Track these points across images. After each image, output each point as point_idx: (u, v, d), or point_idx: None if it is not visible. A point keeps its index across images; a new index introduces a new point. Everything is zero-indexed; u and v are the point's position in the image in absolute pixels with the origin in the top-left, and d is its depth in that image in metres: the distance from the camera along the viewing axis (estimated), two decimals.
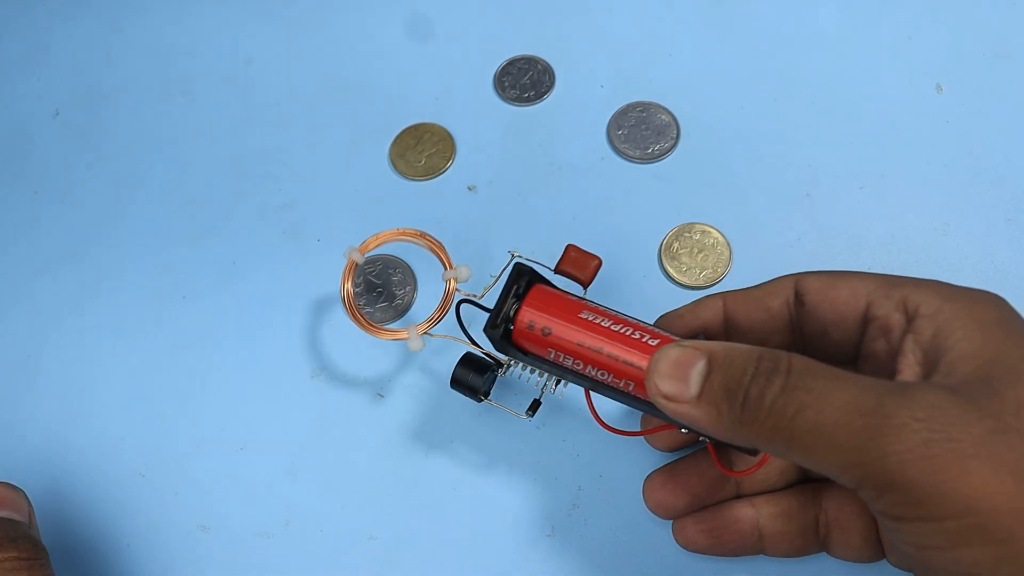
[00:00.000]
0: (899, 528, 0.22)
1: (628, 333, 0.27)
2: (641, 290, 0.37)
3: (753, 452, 0.27)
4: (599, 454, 0.34)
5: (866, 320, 0.27)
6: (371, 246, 0.33)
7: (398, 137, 0.42)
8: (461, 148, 0.42)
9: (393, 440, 0.35)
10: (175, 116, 0.44)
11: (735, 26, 0.44)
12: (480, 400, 0.32)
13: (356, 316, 0.32)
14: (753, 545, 0.30)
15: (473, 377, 0.31)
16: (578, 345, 0.27)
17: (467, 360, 0.31)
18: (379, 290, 0.38)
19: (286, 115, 0.44)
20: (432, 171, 0.41)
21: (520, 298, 0.28)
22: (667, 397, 0.24)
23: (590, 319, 0.28)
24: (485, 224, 0.39)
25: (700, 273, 0.37)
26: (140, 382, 0.37)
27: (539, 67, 0.44)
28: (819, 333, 0.28)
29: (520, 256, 0.29)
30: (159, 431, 0.36)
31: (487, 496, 0.33)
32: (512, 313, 0.28)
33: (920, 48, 0.43)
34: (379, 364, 0.36)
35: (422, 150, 0.42)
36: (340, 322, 0.37)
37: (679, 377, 0.24)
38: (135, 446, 0.35)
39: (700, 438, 0.28)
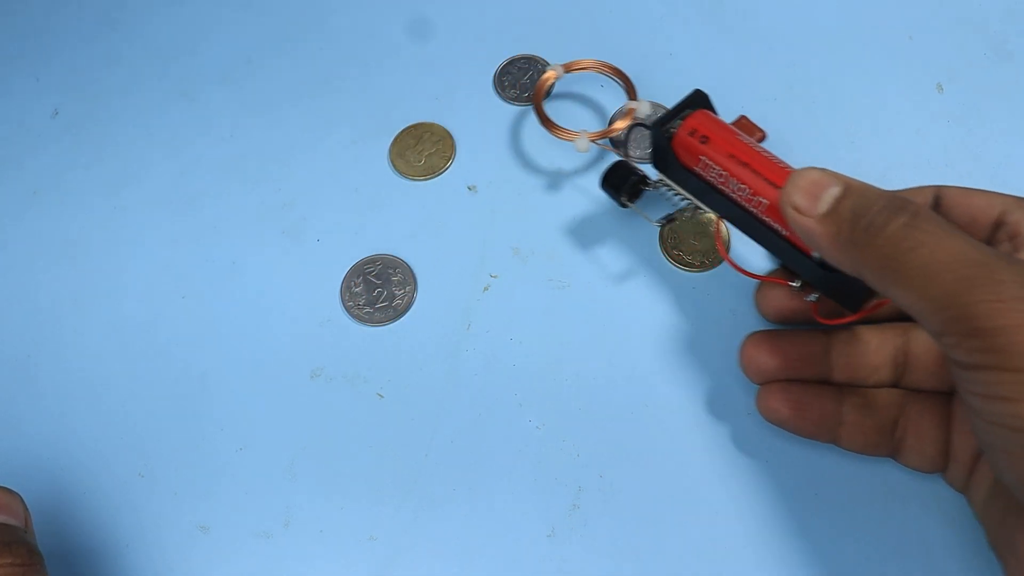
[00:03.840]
0: (972, 377, 0.23)
1: (774, 160, 0.30)
2: (649, 284, 0.37)
3: (858, 303, 0.29)
4: (599, 454, 0.34)
5: (996, 225, 0.29)
6: (573, 67, 0.40)
7: (398, 137, 0.42)
8: (461, 148, 0.42)
9: (393, 440, 0.35)
10: (175, 116, 0.44)
11: (735, 26, 0.44)
12: (624, 205, 0.36)
13: (543, 117, 0.39)
14: (830, 430, 0.31)
15: (618, 179, 0.36)
16: (728, 156, 0.31)
17: (619, 165, 0.36)
18: (379, 290, 0.38)
19: (286, 115, 0.44)
20: (432, 171, 0.41)
21: (684, 119, 0.32)
22: (796, 208, 0.27)
23: (742, 140, 0.31)
24: (485, 224, 0.39)
25: (705, 255, 0.37)
26: (140, 382, 0.37)
27: (539, 67, 0.44)
28: None
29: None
30: (159, 431, 0.36)
31: (487, 496, 0.33)
32: (677, 126, 0.32)
33: (920, 48, 0.43)
34: (379, 360, 0.36)
35: (422, 150, 0.42)
36: (340, 322, 0.38)
37: (812, 193, 0.27)
38: (135, 446, 0.35)
39: (805, 298, 0.31)
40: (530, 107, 0.43)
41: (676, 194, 0.34)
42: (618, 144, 0.39)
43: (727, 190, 0.31)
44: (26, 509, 0.28)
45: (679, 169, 0.33)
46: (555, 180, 0.40)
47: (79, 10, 0.48)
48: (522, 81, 0.43)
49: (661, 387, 0.35)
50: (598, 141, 0.38)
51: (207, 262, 0.40)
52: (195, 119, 0.44)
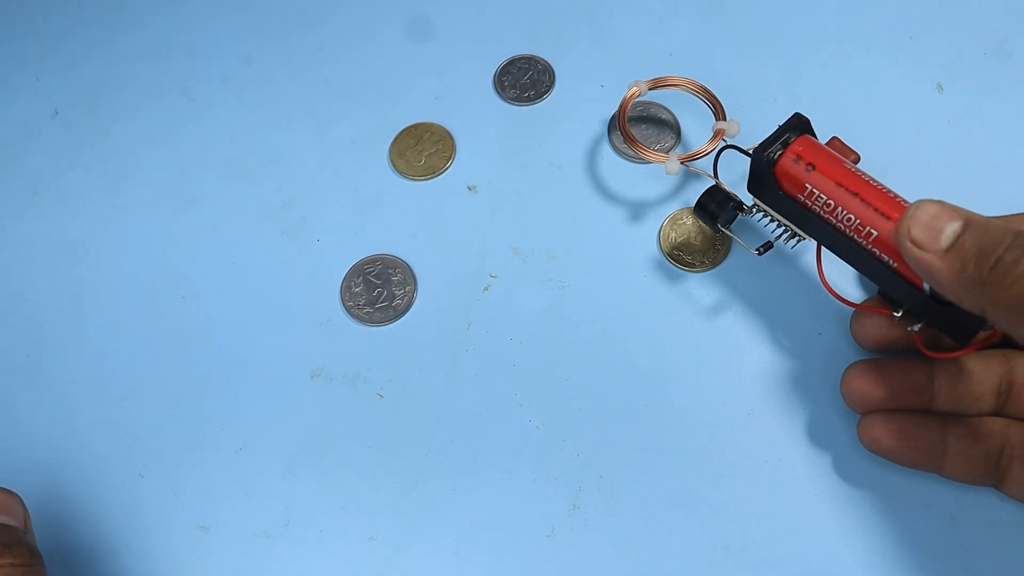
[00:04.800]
0: None
1: (884, 190, 0.29)
2: (649, 284, 0.37)
3: (967, 335, 0.28)
4: (599, 454, 0.34)
5: None
6: (658, 84, 0.38)
7: (398, 137, 0.42)
8: (461, 148, 0.42)
9: (393, 440, 0.35)
10: (175, 116, 0.44)
11: (735, 26, 0.44)
12: (718, 230, 0.35)
13: (628, 136, 0.37)
14: (934, 460, 0.30)
15: (716, 206, 0.34)
16: (835, 187, 0.29)
17: (714, 191, 0.34)
18: (379, 290, 0.38)
19: (286, 115, 0.44)
20: (432, 171, 0.41)
21: (786, 145, 0.31)
22: (915, 242, 0.26)
23: (851, 168, 0.30)
24: (485, 224, 0.39)
25: (705, 255, 0.37)
26: (139, 382, 0.37)
27: (539, 67, 0.44)
28: None
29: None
30: (159, 431, 0.36)
31: (487, 496, 0.33)
32: (779, 153, 0.31)
33: (920, 48, 0.43)
34: (379, 360, 0.36)
35: (422, 150, 0.42)
36: (340, 322, 0.38)
37: (932, 228, 0.26)
38: (134, 446, 0.35)
39: (908, 328, 0.30)
40: (530, 107, 0.43)
41: (772, 220, 0.33)
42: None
43: (832, 219, 0.30)
44: (25, 510, 0.28)
45: (780, 196, 0.31)
46: (554, 179, 0.40)
47: (79, 10, 0.48)
48: (522, 81, 0.43)
49: (661, 387, 0.35)
50: (688, 163, 0.36)
51: (207, 262, 0.40)
52: (195, 119, 0.44)
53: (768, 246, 0.34)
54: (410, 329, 0.37)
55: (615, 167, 0.41)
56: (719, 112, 0.38)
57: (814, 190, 0.30)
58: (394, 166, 0.41)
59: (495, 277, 0.38)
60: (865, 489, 0.32)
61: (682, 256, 0.38)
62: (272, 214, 0.41)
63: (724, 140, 0.36)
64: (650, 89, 0.38)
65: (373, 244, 0.39)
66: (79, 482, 0.35)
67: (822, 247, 0.32)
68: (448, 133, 0.42)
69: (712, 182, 0.35)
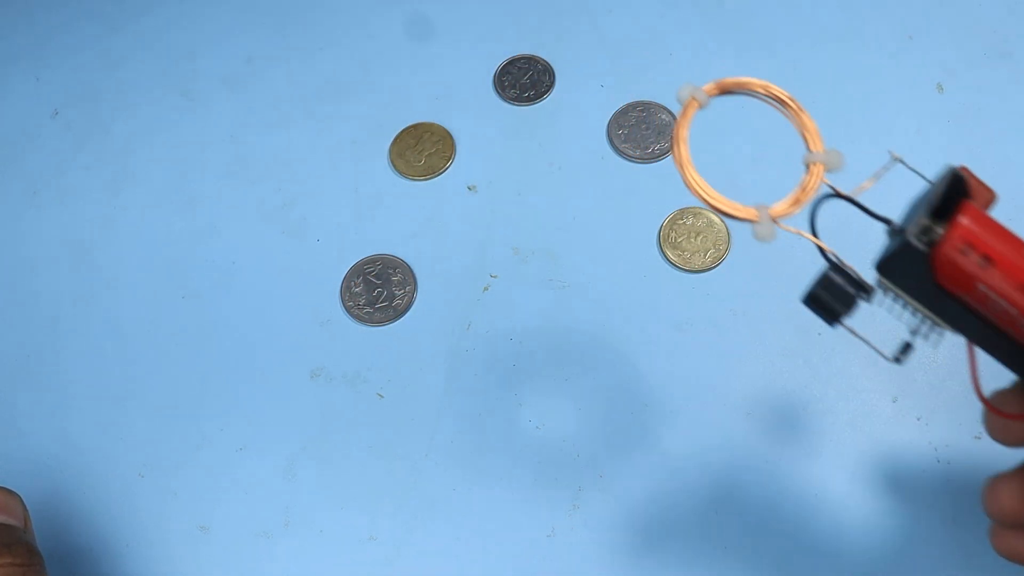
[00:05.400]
0: None
1: None
2: (649, 284, 0.37)
3: None
4: (599, 454, 0.34)
5: None
6: (727, 88, 0.27)
7: (398, 137, 0.42)
8: (461, 148, 0.42)
9: (393, 440, 0.35)
10: (175, 116, 0.44)
11: (735, 26, 0.44)
12: (833, 324, 0.24)
13: (691, 177, 0.25)
14: None
15: (840, 300, 0.24)
16: (1021, 288, 0.21)
17: (834, 278, 0.24)
18: (379, 290, 0.38)
19: (286, 115, 0.44)
20: (432, 171, 0.41)
21: (943, 216, 0.22)
22: None
23: None
24: (485, 224, 0.39)
25: (705, 255, 0.37)
26: (139, 382, 0.37)
27: (539, 67, 0.44)
28: None
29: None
30: (158, 431, 0.36)
31: (487, 496, 0.33)
32: (935, 232, 0.22)
33: (920, 48, 0.43)
34: (379, 360, 0.36)
35: (422, 150, 0.42)
36: (340, 322, 0.37)
37: None
38: (134, 446, 0.35)
39: None
40: (530, 107, 0.43)
41: (907, 305, 0.24)
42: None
43: (1011, 329, 0.22)
44: (25, 509, 0.28)
45: (932, 290, 0.23)
46: (554, 179, 0.40)
47: (79, 10, 0.48)
48: (522, 81, 0.43)
49: (661, 387, 0.35)
50: (783, 223, 0.25)
51: (207, 262, 0.40)
52: (195, 119, 0.44)
53: (908, 348, 0.24)
54: (410, 329, 0.37)
55: (615, 167, 0.40)
56: (811, 136, 0.26)
57: (988, 293, 0.22)
58: (394, 166, 0.41)
59: (495, 277, 0.38)
60: (865, 489, 0.32)
61: (682, 256, 0.38)
62: (272, 214, 0.41)
63: (825, 182, 0.25)
64: (712, 97, 0.27)
65: (373, 244, 0.39)
66: (79, 482, 0.35)
67: (975, 345, 0.24)
68: (448, 133, 0.42)
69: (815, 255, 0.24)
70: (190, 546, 0.33)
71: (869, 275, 0.24)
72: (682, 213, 0.39)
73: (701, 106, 0.26)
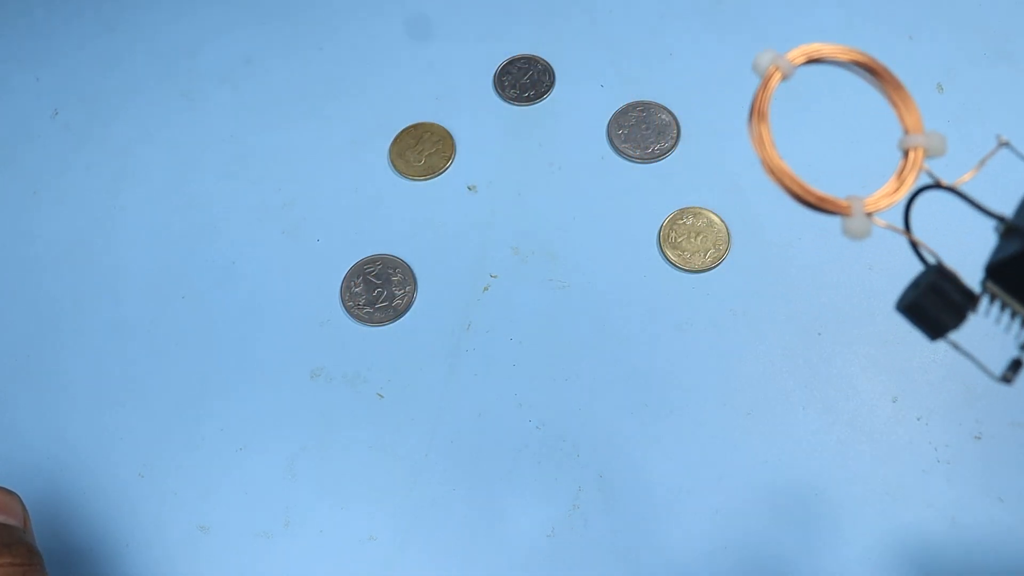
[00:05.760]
0: None
1: None
2: (649, 284, 0.37)
3: None
4: (599, 454, 0.34)
5: None
6: (814, 54, 0.22)
7: (398, 137, 0.42)
8: (461, 148, 0.42)
9: (393, 440, 0.35)
10: (175, 116, 0.44)
11: (735, 26, 0.44)
12: (936, 338, 0.22)
13: (772, 160, 0.21)
14: None
15: (946, 311, 0.21)
16: None
17: (939, 284, 0.22)
18: (379, 290, 0.38)
19: (286, 115, 0.44)
20: (432, 171, 0.41)
21: None
22: None
23: None
24: (485, 224, 0.39)
25: (705, 255, 0.37)
26: (139, 382, 0.37)
27: (539, 67, 0.44)
28: None
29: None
30: (158, 431, 0.36)
31: (487, 496, 0.33)
32: None
33: (920, 48, 0.43)
34: (379, 360, 0.36)
35: (422, 150, 0.42)
36: (340, 322, 0.37)
37: None
38: (134, 446, 0.35)
39: None
40: (530, 107, 0.43)
41: (1017, 316, 0.21)
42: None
43: None
44: (25, 509, 0.28)
45: None
46: (554, 179, 0.40)
47: (79, 10, 0.48)
48: (522, 81, 0.43)
49: (661, 387, 0.35)
50: (880, 219, 0.22)
51: (207, 262, 0.40)
52: (195, 119, 0.44)
53: (1019, 365, 0.21)
54: (410, 329, 0.37)
55: (615, 167, 0.41)
56: (909, 114, 0.23)
57: None
58: (394, 166, 0.41)
59: (495, 277, 0.38)
60: (865, 489, 0.32)
61: (682, 256, 0.38)
62: (272, 214, 0.41)
63: (925, 168, 0.23)
64: (796, 64, 0.23)
65: (373, 244, 0.39)
66: (79, 482, 0.35)
67: None
68: (448, 133, 0.42)
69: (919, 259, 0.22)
70: (190, 546, 0.33)
71: (972, 281, 0.21)
72: (682, 213, 0.39)
73: (785, 77, 0.23)
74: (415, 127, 0.42)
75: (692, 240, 0.38)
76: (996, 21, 0.43)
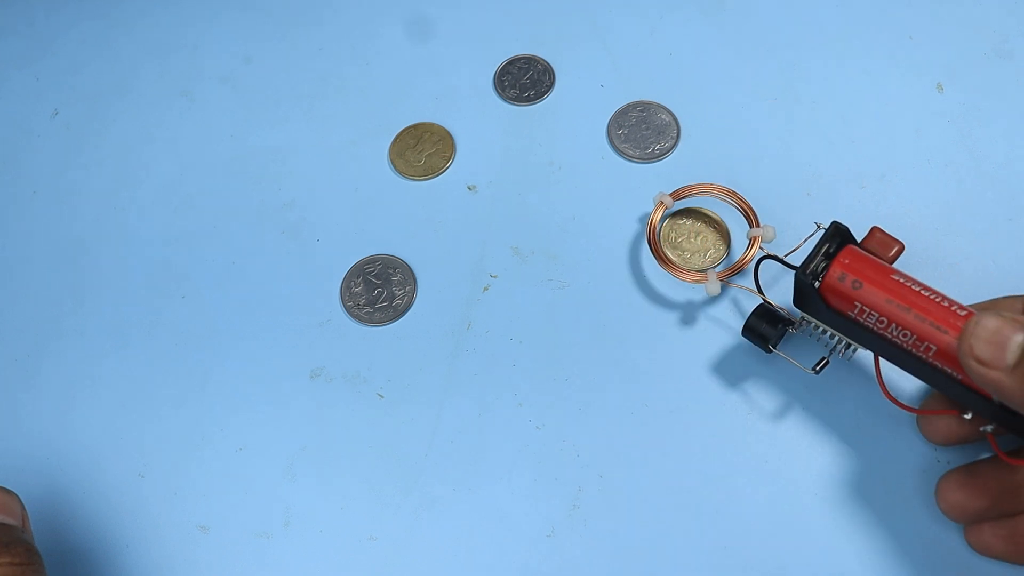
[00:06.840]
0: None
1: (937, 300, 0.28)
2: (649, 284, 0.37)
3: None
4: (599, 454, 0.34)
5: None
6: (683, 195, 0.37)
7: (398, 137, 0.42)
8: (461, 148, 0.42)
9: (393, 440, 0.35)
10: (175, 116, 0.44)
11: (735, 26, 0.44)
12: (769, 351, 0.33)
13: (660, 254, 0.35)
14: None
15: (766, 327, 0.33)
16: (886, 302, 0.28)
17: (762, 311, 0.33)
18: (379, 290, 0.38)
19: (286, 115, 0.44)
20: (432, 171, 0.41)
21: (831, 257, 0.30)
22: (980, 361, 0.25)
23: (900, 281, 0.28)
24: (485, 224, 0.39)
25: (705, 255, 0.37)
26: (139, 382, 0.37)
27: (539, 67, 0.44)
28: None
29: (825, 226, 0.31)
30: (158, 431, 0.36)
31: (487, 496, 0.33)
32: (822, 267, 0.30)
33: (920, 48, 0.43)
34: (379, 360, 0.36)
35: (422, 150, 0.42)
36: (340, 322, 0.37)
37: (997, 344, 0.25)
38: (134, 446, 0.35)
39: (980, 428, 0.28)
40: (530, 107, 0.43)
41: (824, 331, 0.31)
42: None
43: (887, 334, 0.29)
44: (23, 508, 0.28)
45: (829, 313, 0.30)
46: (554, 179, 0.40)
47: (79, 10, 0.48)
48: (522, 81, 0.43)
49: (661, 387, 0.35)
50: (729, 280, 0.35)
51: (207, 262, 0.40)
52: (195, 119, 0.44)
53: (824, 363, 0.32)
54: (410, 329, 0.37)
55: (615, 167, 0.41)
56: (751, 218, 0.36)
57: (864, 307, 0.29)
58: (394, 166, 0.41)
59: (495, 277, 0.38)
60: (864, 489, 0.32)
61: (682, 256, 0.38)
62: (272, 214, 0.41)
63: (762, 248, 0.35)
64: (676, 200, 0.37)
65: (373, 244, 0.39)
66: (79, 482, 0.35)
67: (880, 356, 0.30)
68: (448, 133, 0.42)
69: (753, 298, 0.33)
70: (190, 546, 0.33)
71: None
72: (682, 213, 0.39)
73: (668, 207, 0.37)
74: (415, 127, 0.42)
75: (692, 240, 0.38)
76: (996, 21, 0.43)
